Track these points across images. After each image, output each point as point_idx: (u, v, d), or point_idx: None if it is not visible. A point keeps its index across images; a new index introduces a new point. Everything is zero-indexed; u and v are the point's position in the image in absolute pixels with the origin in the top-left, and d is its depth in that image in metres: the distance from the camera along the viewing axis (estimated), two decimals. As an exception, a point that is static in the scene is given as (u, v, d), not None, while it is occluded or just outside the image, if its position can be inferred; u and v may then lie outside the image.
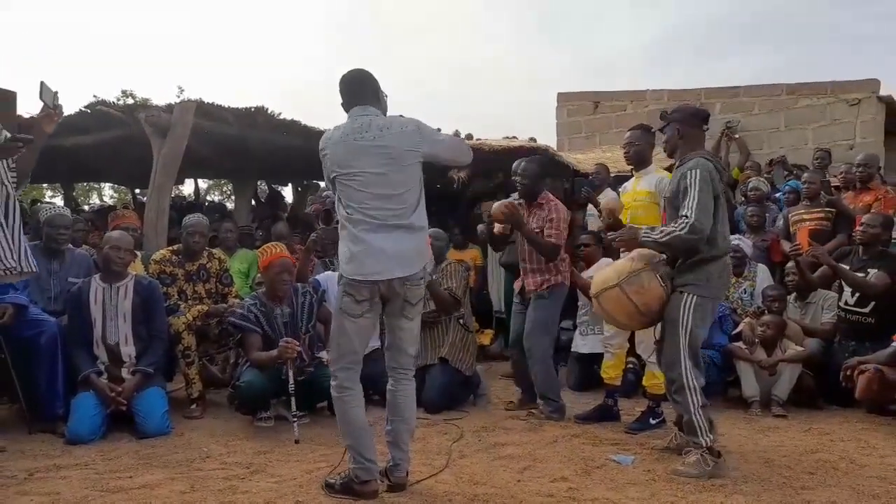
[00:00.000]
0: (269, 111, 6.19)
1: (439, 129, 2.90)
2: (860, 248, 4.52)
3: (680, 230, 2.93)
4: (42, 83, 2.81)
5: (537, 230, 3.99)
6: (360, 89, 2.75)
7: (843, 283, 4.50)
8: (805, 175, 5.64)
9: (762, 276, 5.04)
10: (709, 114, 3.37)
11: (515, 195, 4.37)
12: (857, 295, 4.39)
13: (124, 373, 3.71)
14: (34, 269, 3.01)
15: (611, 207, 3.71)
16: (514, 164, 4.20)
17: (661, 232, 3.02)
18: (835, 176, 6.35)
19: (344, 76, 2.77)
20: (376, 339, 4.59)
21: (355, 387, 2.68)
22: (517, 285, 4.24)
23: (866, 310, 4.36)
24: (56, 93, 2.91)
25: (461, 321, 4.47)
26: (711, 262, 3.02)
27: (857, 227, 4.57)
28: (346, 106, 2.76)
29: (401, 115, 2.80)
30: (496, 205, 4.07)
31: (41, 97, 2.85)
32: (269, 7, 48.60)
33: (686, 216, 2.92)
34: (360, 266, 2.59)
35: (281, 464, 3.13)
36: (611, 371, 3.94)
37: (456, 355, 4.36)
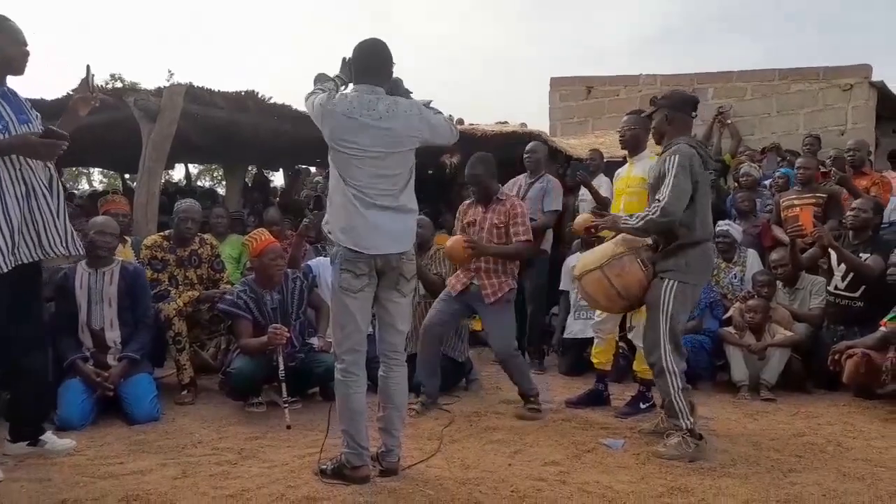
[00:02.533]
0: (259, 95, 6.14)
1: (430, 102, 2.85)
2: (850, 233, 4.55)
3: (652, 214, 3.02)
4: (88, 66, 2.80)
5: (500, 226, 3.81)
6: (377, 67, 2.70)
7: (833, 267, 4.52)
8: (798, 160, 5.64)
9: (752, 260, 5.06)
10: (698, 100, 3.40)
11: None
12: (847, 279, 4.42)
13: (110, 359, 3.69)
14: (80, 252, 2.98)
15: (578, 226, 3.81)
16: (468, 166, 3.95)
17: (637, 217, 3.10)
18: (822, 162, 6.38)
19: (365, 46, 2.70)
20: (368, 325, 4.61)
21: (361, 373, 2.68)
22: (457, 286, 3.87)
23: (856, 294, 4.39)
24: (93, 75, 2.88)
25: None
26: (690, 247, 3.07)
27: (849, 212, 4.58)
28: (357, 77, 2.70)
29: (401, 94, 2.76)
30: (453, 246, 3.79)
31: (87, 79, 2.83)
32: (260, -11, 48.00)
33: (659, 200, 3.00)
34: (358, 238, 2.60)
35: (272, 449, 3.13)
36: (601, 356, 3.96)
37: (447, 343, 4.35)
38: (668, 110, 3.20)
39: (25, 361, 2.90)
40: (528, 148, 5.37)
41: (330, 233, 2.69)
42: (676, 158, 3.01)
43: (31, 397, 2.99)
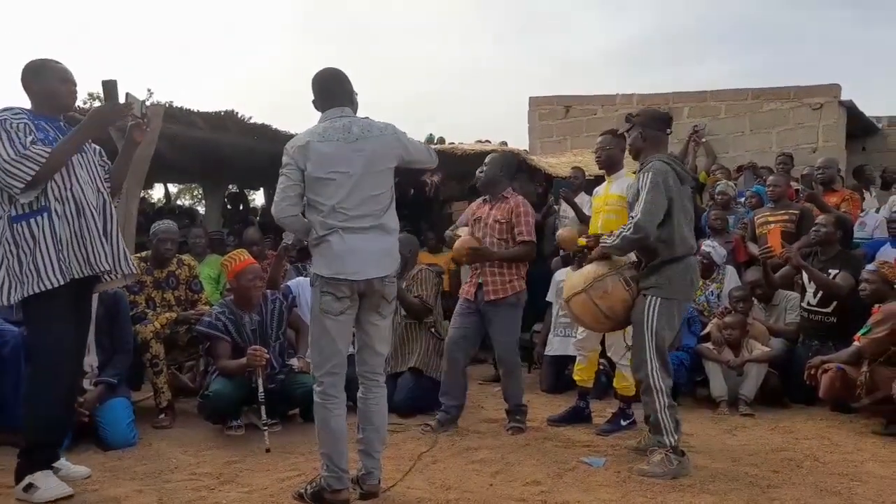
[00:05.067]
0: (239, 115, 6.14)
1: (405, 133, 2.94)
2: (819, 250, 4.64)
3: (626, 231, 3.06)
4: (128, 94, 2.84)
5: (503, 222, 3.84)
6: (336, 90, 2.75)
7: (805, 283, 4.61)
8: (770, 178, 5.76)
9: (730, 277, 5.12)
10: (671, 117, 3.46)
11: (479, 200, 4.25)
12: (819, 295, 4.50)
13: (86, 384, 3.61)
14: (133, 271, 2.99)
15: (565, 237, 3.77)
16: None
17: (614, 235, 3.15)
18: (795, 179, 6.53)
19: (320, 75, 2.77)
20: (349, 346, 4.58)
21: (340, 395, 2.67)
22: (471, 290, 3.90)
23: (829, 310, 4.47)
24: (143, 102, 2.94)
25: (433, 329, 4.44)
26: (671, 263, 3.09)
27: (813, 229, 4.68)
28: (321, 105, 2.75)
29: (369, 118, 2.80)
30: (458, 245, 3.86)
31: (131, 105, 2.86)
32: (240, 7, 48.07)
33: (633, 216, 3.04)
34: (342, 265, 2.59)
35: (252, 473, 3.08)
36: (583, 374, 3.97)
37: (429, 364, 4.34)
38: (642, 128, 3.25)
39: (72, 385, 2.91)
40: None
41: (313, 265, 2.68)
42: (649, 175, 3.05)
43: (68, 422, 2.96)
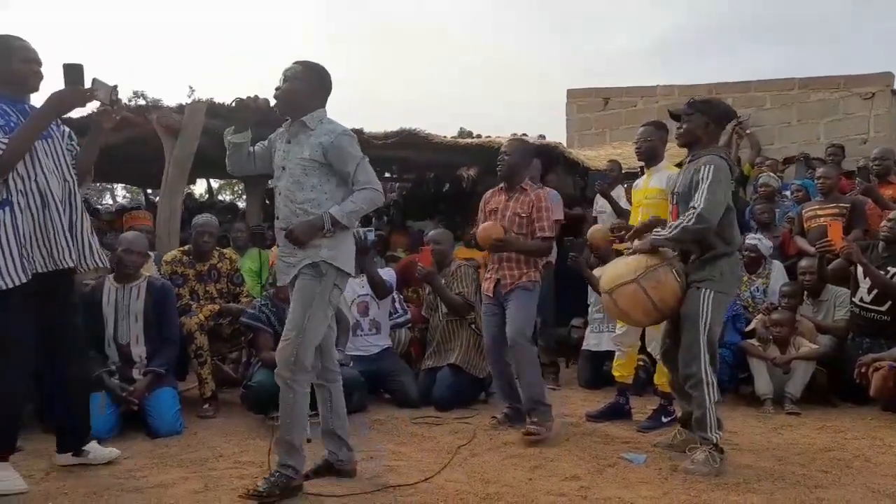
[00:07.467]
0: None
1: None
2: (880, 244, 4.47)
3: (687, 221, 2.98)
4: (95, 79, 2.76)
5: (523, 216, 3.67)
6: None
7: (859, 279, 4.44)
8: (820, 170, 5.56)
9: (777, 272, 4.99)
10: (736, 115, 3.40)
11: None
12: (873, 292, 4.33)
13: (135, 373, 3.74)
14: (102, 265, 2.98)
15: (596, 238, 3.66)
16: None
17: (670, 227, 3.07)
18: (846, 174, 6.29)
19: (329, 74, 2.89)
20: (387, 339, 4.61)
21: None
22: (490, 286, 3.77)
23: (883, 308, 4.30)
24: (114, 87, 2.82)
25: (473, 326, 4.39)
26: (724, 257, 3.06)
27: (885, 223, 4.49)
28: (322, 101, 2.88)
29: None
30: (483, 233, 3.70)
31: (96, 95, 2.78)
32: (275, 7, 48.68)
33: (694, 207, 2.97)
34: (352, 262, 2.81)
35: (293, 463, 3.13)
36: (622, 369, 3.92)
37: (470, 361, 4.32)
38: (709, 119, 3.14)
39: (71, 372, 2.97)
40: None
41: (333, 259, 2.71)
42: (712, 168, 2.99)
43: (79, 408, 3.05)
